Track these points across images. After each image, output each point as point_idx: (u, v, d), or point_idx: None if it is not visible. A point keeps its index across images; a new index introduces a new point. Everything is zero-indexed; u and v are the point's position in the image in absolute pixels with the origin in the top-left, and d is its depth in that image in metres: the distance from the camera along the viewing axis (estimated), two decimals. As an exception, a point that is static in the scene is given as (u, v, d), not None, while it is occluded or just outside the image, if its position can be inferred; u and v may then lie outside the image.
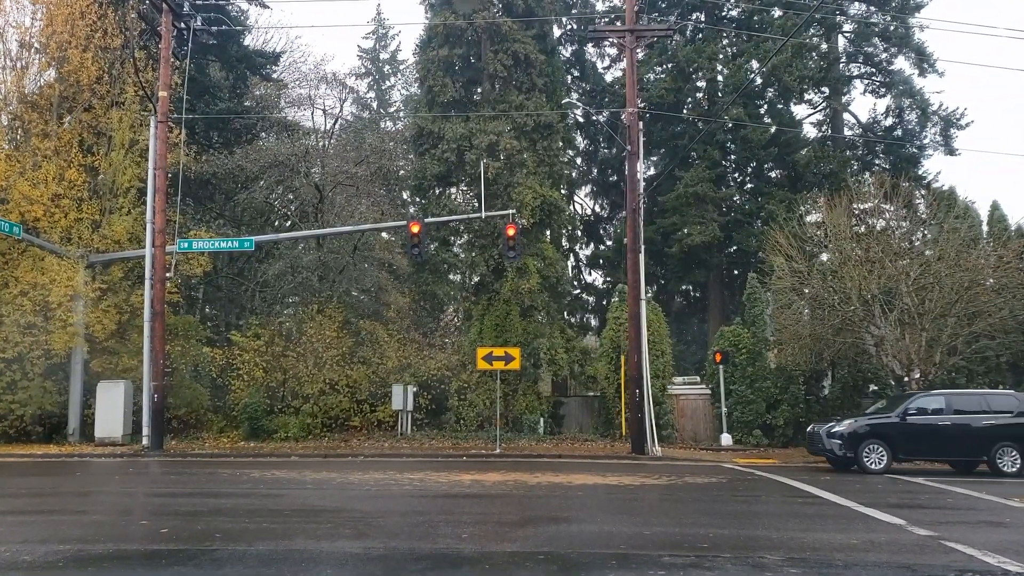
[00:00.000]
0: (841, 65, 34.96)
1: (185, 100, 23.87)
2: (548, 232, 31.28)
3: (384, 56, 52.97)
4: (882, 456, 17.59)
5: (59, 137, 23.87)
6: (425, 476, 15.76)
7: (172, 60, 23.14)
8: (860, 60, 35.05)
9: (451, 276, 33.72)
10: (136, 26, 25.67)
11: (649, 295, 29.73)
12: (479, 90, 31.00)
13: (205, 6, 27.60)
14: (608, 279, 38.97)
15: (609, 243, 39.55)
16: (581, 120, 38.39)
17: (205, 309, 33.91)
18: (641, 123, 24.06)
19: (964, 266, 20.94)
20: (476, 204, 27.43)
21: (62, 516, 11.10)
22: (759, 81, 33.24)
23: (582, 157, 40.80)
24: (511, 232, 22.76)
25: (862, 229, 24.35)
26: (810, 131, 36.53)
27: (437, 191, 30.67)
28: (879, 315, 21.41)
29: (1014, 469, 17.25)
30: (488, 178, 26.77)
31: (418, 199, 32.20)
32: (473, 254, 30.04)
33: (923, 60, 33.32)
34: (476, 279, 31.03)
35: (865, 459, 17.60)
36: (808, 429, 19.97)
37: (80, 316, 22.89)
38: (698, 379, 27.62)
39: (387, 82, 53.16)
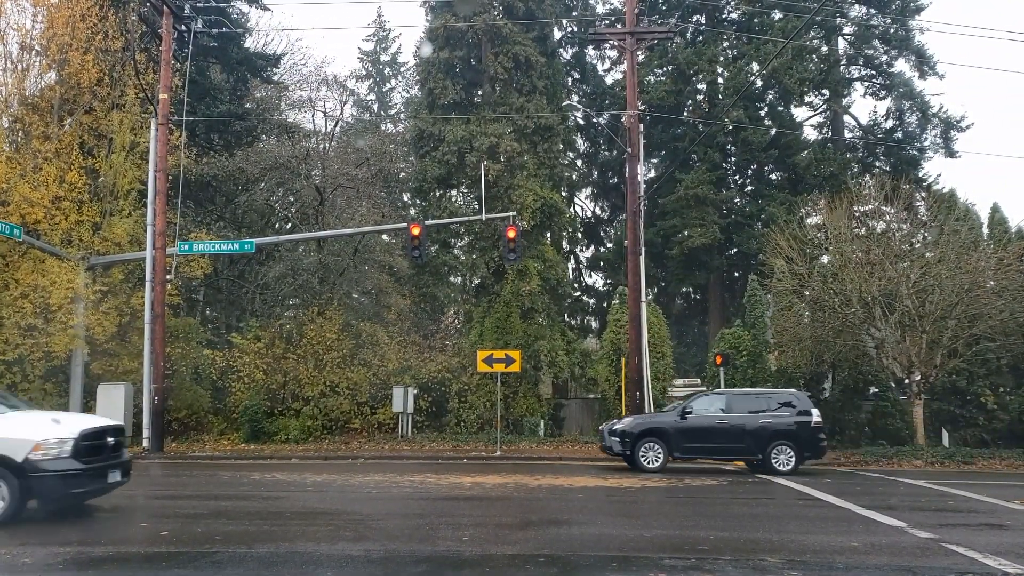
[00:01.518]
0: (841, 67, 34.97)
1: (186, 102, 23.89)
2: (549, 234, 31.30)
3: (385, 58, 52.99)
4: (659, 454, 17.47)
5: (60, 139, 23.88)
6: (425, 478, 15.75)
7: (173, 62, 23.17)
8: (860, 62, 35.06)
9: (452, 278, 33.73)
10: (137, 28, 25.69)
11: (649, 297, 29.73)
12: (480, 92, 31.03)
13: (206, 8, 27.62)
14: (608, 281, 38.97)
15: (609, 245, 39.55)
16: (581, 122, 38.41)
17: (205, 311, 33.90)
18: (641, 125, 24.09)
19: (965, 268, 20.93)
20: (476, 206, 27.45)
21: (62, 518, 11.09)
22: (759, 83, 33.26)
23: (582, 159, 40.82)
24: (511, 234, 22.75)
25: (862, 231, 24.35)
26: (810, 133, 36.62)
27: (438, 193, 30.69)
28: (879, 317, 21.40)
29: (788, 468, 17.26)
30: (488, 180, 26.78)
31: (419, 201, 32.22)
32: (474, 256, 30.06)
33: (923, 62, 33.33)
34: (477, 281, 31.06)
35: (641, 457, 17.47)
36: (600, 427, 19.96)
37: (80, 318, 22.88)
38: (699, 381, 27.59)
39: (388, 84, 53.19)
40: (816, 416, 17.82)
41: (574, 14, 37.16)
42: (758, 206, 33.65)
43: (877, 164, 34.90)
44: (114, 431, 11.15)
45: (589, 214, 41.97)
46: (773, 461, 17.39)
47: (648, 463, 17.45)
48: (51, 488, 10.05)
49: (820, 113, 36.70)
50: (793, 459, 17.36)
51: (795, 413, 17.73)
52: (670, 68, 34.76)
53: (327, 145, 32.80)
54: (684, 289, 37.93)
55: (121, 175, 24.70)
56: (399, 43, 53.38)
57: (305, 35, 56.95)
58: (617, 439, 17.92)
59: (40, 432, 10.20)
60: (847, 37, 35.00)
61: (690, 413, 17.86)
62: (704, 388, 26.58)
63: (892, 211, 23.75)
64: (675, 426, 17.75)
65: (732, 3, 35.39)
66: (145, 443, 21.00)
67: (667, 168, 34.18)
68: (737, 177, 37.03)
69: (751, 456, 17.76)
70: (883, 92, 35.10)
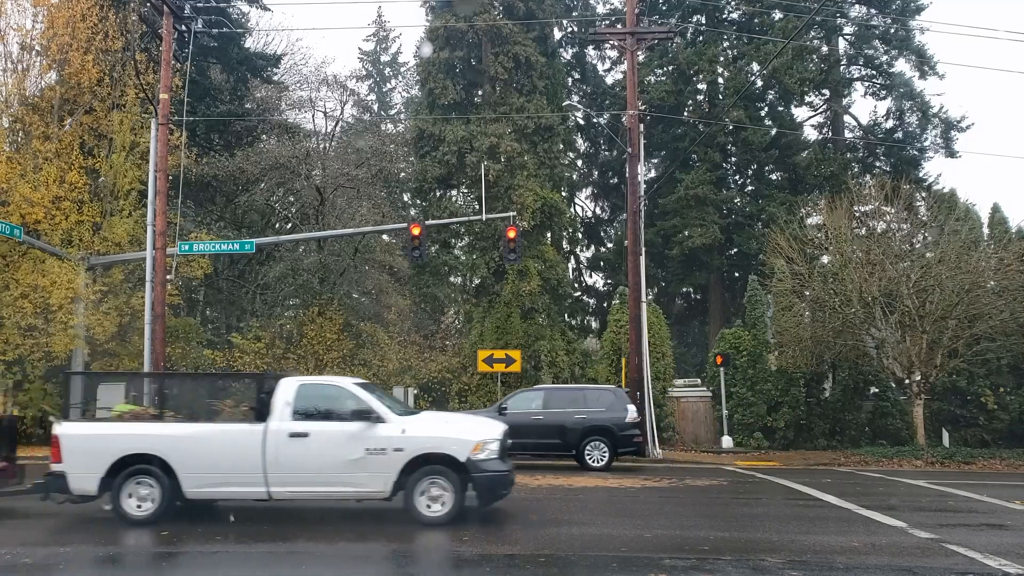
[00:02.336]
0: (842, 67, 34.96)
1: (186, 102, 23.84)
2: (549, 234, 31.30)
3: (385, 58, 52.98)
4: None
5: (60, 139, 23.86)
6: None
7: (173, 62, 23.12)
8: (861, 62, 35.04)
9: (452, 278, 33.73)
10: (137, 28, 25.66)
11: (650, 297, 29.72)
12: (480, 92, 31.04)
13: (206, 8, 27.58)
14: (609, 281, 38.97)
15: (610, 245, 39.55)
16: (582, 122, 38.41)
17: (206, 311, 33.90)
18: (642, 125, 24.07)
19: (965, 268, 20.91)
20: (477, 206, 27.45)
21: (62, 518, 11.09)
22: (760, 83, 33.25)
23: (583, 159, 40.81)
24: (512, 234, 22.74)
25: (863, 231, 24.33)
26: (811, 133, 36.62)
27: (438, 193, 30.70)
28: (880, 317, 21.39)
29: (601, 464, 17.26)
30: (489, 180, 26.78)
31: (419, 201, 32.24)
32: (474, 256, 30.06)
33: (924, 62, 33.30)
34: (477, 281, 31.06)
35: None
36: None
37: (81, 318, 22.86)
38: (699, 381, 27.59)
39: (388, 84, 53.18)
40: (632, 413, 17.77)
41: (574, 14, 37.16)
42: (758, 206, 33.64)
43: (877, 164, 34.89)
44: (507, 435, 11.20)
45: (589, 214, 41.99)
46: (587, 457, 17.36)
47: None
48: (488, 487, 10.18)
49: (820, 113, 36.71)
50: (607, 455, 17.35)
51: (610, 409, 17.68)
52: (670, 68, 34.75)
53: (327, 145, 32.80)
54: (684, 289, 37.92)
55: (121, 175, 24.68)
56: (399, 43, 53.44)
57: (305, 35, 56.97)
58: None
59: (478, 432, 10.43)
60: (847, 37, 34.99)
61: (506, 410, 17.76)
62: (704, 388, 26.63)
63: (892, 211, 23.73)
64: None
65: (732, 3, 35.38)
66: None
67: (667, 168, 34.18)
68: (737, 177, 37.03)
69: (566, 451, 17.64)
70: (883, 92, 35.08)
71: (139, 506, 9.92)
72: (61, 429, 10.34)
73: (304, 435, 10.01)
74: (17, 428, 11.91)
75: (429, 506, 9.89)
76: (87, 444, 10.21)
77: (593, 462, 17.30)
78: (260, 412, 10.31)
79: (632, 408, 17.97)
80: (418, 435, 10.17)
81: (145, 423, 10.60)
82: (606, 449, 17.38)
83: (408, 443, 9.97)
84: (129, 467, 9.96)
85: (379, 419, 10.16)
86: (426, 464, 9.92)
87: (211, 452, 10.05)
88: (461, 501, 9.94)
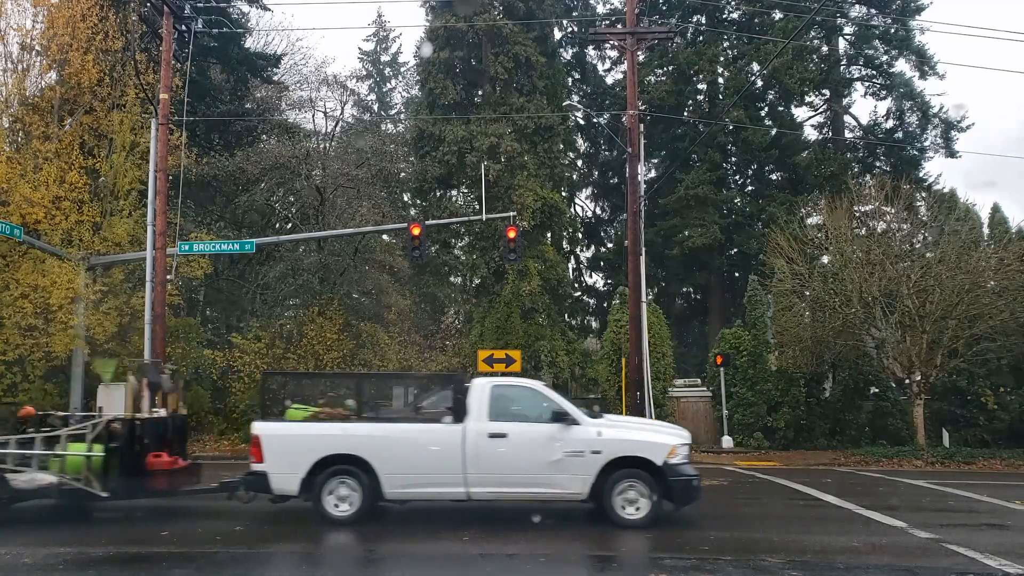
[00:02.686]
0: (842, 67, 34.95)
1: (186, 102, 23.82)
2: (549, 234, 31.29)
3: (385, 58, 52.96)
4: None
5: (60, 139, 23.85)
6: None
7: (173, 62, 23.11)
8: (861, 62, 35.03)
9: (452, 278, 33.70)
10: (137, 28, 25.65)
11: (650, 297, 29.71)
12: (480, 92, 31.03)
13: (206, 8, 27.57)
14: (609, 281, 38.95)
15: (610, 245, 39.54)
16: (582, 122, 38.39)
17: (206, 311, 33.87)
18: (642, 125, 24.07)
19: (965, 268, 20.90)
20: (477, 206, 27.44)
21: (62, 519, 11.09)
22: (760, 83, 33.24)
23: (583, 159, 40.79)
24: (512, 234, 22.72)
25: (863, 231, 24.32)
26: (811, 133, 36.59)
27: (438, 193, 30.69)
28: (880, 317, 21.38)
29: None
30: (489, 180, 26.77)
31: (419, 201, 32.22)
32: (474, 256, 30.04)
33: (924, 62, 33.29)
34: (477, 281, 31.04)
35: None
36: None
37: (81, 318, 22.84)
38: (699, 381, 27.57)
39: (388, 84, 53.15)
40: None
41: (574, 14, 37.15)
42: (758, 206, 33.62)
43: (877, 164, 34.87)
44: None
45: (589, 214, 41.97)
46: None
47: None
48: (684, 491, 10.27)
49: (820, 113, 36.69)
50: None
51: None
52: (670, 68, 34.74)
53: (327, 145, 32.78)
54: (684, 289, 37.91)
55: (121, 175, 24.66)
56: (399, 43, 53.33)
57: (305, 35, 56.95)
58: None
59: (671, 437, 10.61)
60: (847, 37, 34.98)
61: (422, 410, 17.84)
62: (704, 388, 26.62)
63: (892, 211, 23.72)
64: None
65: (732, 3, 35.37)
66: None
67: (667, 168, 34.17)
68: (737, 177, 37.01)
69: None
70: (883, 92, 35.07)
71: (338, 505, 10.03)
72: (263, 429, 10.40)
73: (503, 436, 10.12)
74: (187, 427, 11.85)
75: (624, 508, 9.99)
76: (290, 444, 10.29)
77: None
78: (457, 413, 10.38)
79: None
80: (615, 438, 10.31)
81: (345, 423, 10.62)
82: None
83: (606, 446, 10.10)
84: (330, 467, 10.03)
85: (574, 421, 10.31)
86: (622, 467, 10.04)
87: (411, 453, 10.15)
88: (658, 505, 10.06)
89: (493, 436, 10.07)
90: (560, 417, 10.24)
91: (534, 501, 10.58)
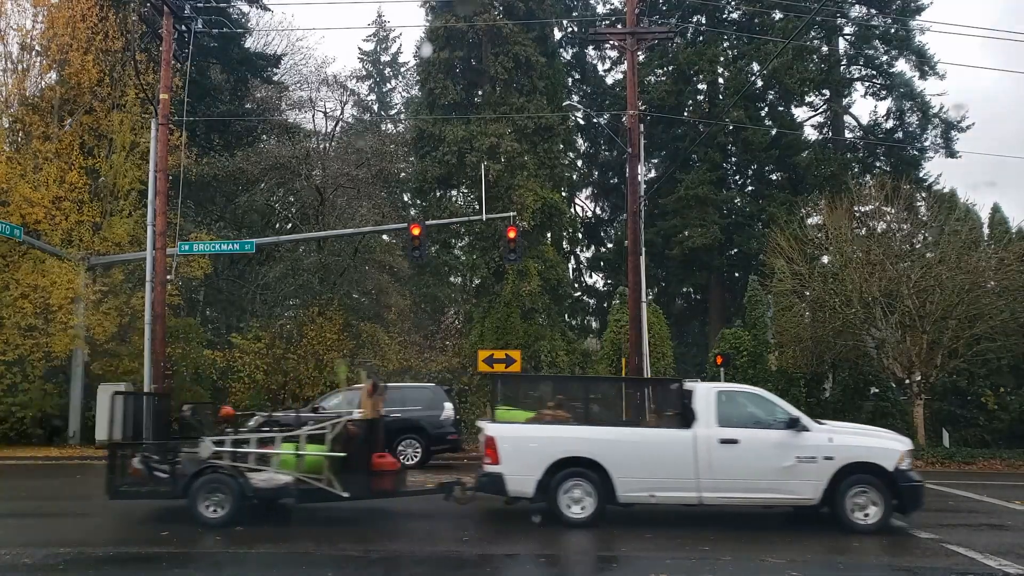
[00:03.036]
0: (842, 68, 34.93)
1: (186, 102, 23.80)
2: (549, 234, 31.28)
3: (385, 58, 52.93)
4: None
5: (60, 140, 23.85)
6: (426, 478, 15.72)
7: (173, 63, 23.09)
8: (861, 63, 35.01)
9: (452, 278, 33.69)
10: (137, 29, 25.65)
11: (650, 297, 29.69)
12: (480, 92, 31.02)
13: (206, 8, 27.53)
14: (609, 281, 38.95)
15: (610, 245, 39.53)
16: (582, 122, 38.38)
17: (206, 312, 33.85)
18: (642, 125, 24.07)
19: (965, 268, 20.89)
20: (477, 206, 27.42)
21: (63, 519, 11.10)
22: (760, 83, 33.23)
23: (583, 159, 40.78)
24: (512, 234, 22.71)
25: (863, 231, 24.30)
26: (811, 133, 36.55)
27: (438, 193, 30.69)
28: (880, 317, 21.38)
29: (413, 461, 17.31)
30: (489, 180, 26.75)
31: (419, 201, 32.22)
32: (474, 256, 30.04)
33: (924, 62, 33.28)
34: (477, 281, 31.02)
35: None
36: None
37: (81, 318, 22.84)
38: (699, 381, 27.54)
39: (388, 84, 53.13)
40: (448, 410, 17.82)
41: (574, 14, 37.15)
42: (758, 206, 33.61)
43: (877, 164, 34.84)
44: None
45: (589, 214, 41.96)
46: (400, 455, 17.25)
47: None
48: (914, 497, 10.23)
49: (820, 113, 36.67)
50: (420, 452, 17.42)
51: (426, 408, 17.73)
52: (670, 68, 34.72)
53: (327, 145, 32.79)
54: (684, 289, 37.91)
55: (121, 175, 24.66)
56: (399, 43, 53.28)
57: (305, 35, 56.82)
58: None
59: (898, 443, 10.63)
60: (847, 37, 34.96)
61: (323, 409, 17.70)
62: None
63: (892, 211, 23.71)
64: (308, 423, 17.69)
65: (732, 3, 35.36)
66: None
67: (667, 168, 34.16)
68: (737, 177, 37.00)
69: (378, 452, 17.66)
70: (883, 92, 35.05)
71: (570, 507, 10.07)
72: (497, 431, 10.44)
73: (734, 441, 10.18)
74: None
75: (854, 513, 10.02)
76: (526, 446, 10.32)
77: (406, 460, 17.30)
78: (685, 418, 10.44)
79: (449, 406, 17.99)
80: (847, 444, 10.37)
81: (578, 426, 10.65)
82: (419, 447, 17.47)
83: (837, 452, 10.14)
84: (565, 470, 10.09)
85: (804, 427, 10.36)
86: (853, 473, 10.06)
87: (643, 456, 10.21)
88: (890, 510, 10.04)
89: (724, 442, 10.16)
90: (792, 423, 10.37)
91: (765, 507, 10.71)
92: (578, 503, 10.07)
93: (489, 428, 10.56)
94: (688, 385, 11.10)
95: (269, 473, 10.21)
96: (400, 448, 17.40)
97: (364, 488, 10.36)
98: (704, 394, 10.60)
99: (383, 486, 10.65)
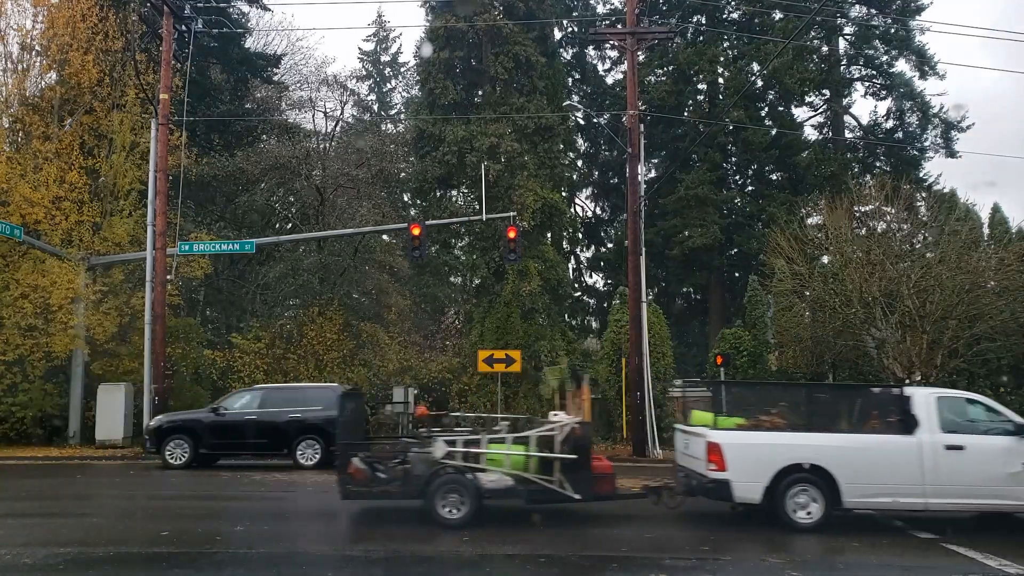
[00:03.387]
0: (842, 68, 34.92)
1: (186, 102, 23.84)
2: (549, 234, 31.26)
3: (385, 58, 52.94)
4: (185, 451, 17.43)
5: (60, 139, 23.86)
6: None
7: (173, 63, 23.14)
8: (861, 63, 35.00)
9: (452, 278, 33.67)
10: (137, 29, 25.66)
11: (650, 297, 29.67)
12: (480, 92, 31.00)
13: (206, 8, 27.57)
14: (609, 281, 38.92)
15: (610, 245, 39.50)
16: (582, 122, 38.36)
17: (206, 312, 33.86)
18: (642, 125, 24.06)
19: (965, 269, 20.86)
20: (477, 206, 27.41)
21: (63, 519, 11.10)
22: (760, 83, 33.21)
23: (583, 159, 40.74)
24: (512, 234, 22.73)
25: (863, 231, 24.28)
26: (811, 133, 36.50)
27: (438, 193, 30.67)
28: (880, 318, 21.36)
29: (313, 462, 17.31)
30: (489, 180, 26.75)
31: (419, 201, 32.20)
32: (474, 256, 30.02)
33: (924, 63, 33.27)
34: (477, 281, 31.00)
35: (168, 454, 17.47)
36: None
37: (81, 318, 22.85)
38: (699, 382, 27.54)
39: (388, 84, 53.14)
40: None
41: (574, 14, 37.13)
42: (759, 206, 33.59)
43: (878, 164, 34.83)
44: None
45: (589, 214, 41.93)
46: (299, 456, 17.41)
47: (174, 460, 17.42)
48: None
49: (820, 113, 36.65)
50: (319, 453, 17.39)
51: (327, 408, 17.45)
52: (671, 68, 34.70)
53: (327, 145, 32.79)
54: (685, 289, 37.89)
55: (121, 175, 24.68)
56: (399, 43, 53.29)
57: (305, 35, 56.93)
58: (147, 436, 18.03)
59: None
60: (847, 37, 34.95)
61: (225, 410, 17.84)
62: (705, 388, 26.57)
63: (893, 211, 23.69)
64: (206, 423, 17.74)
65: (732, 3, 35.35)
66: (147, 444, 20.97)
67: (667, 168, 34.15)
68: (738, 177, 36.97)
69: (278, 451, 17.68)
70: (883, 92, 35.03)
71: (796, 512, 10.16)
72: (724, 438, 10.50)
73: (960, 448, 10.26)
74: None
75: None
76: (754, 453, 10.41)
77: (306, 461, 17.39)
78: (906, 424, 10.50)
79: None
80: None
81: (801, 433, 10.72)
82: (319, 447, 17.44)
83: None
84: (791, 476, 10.20)
85: None
86: None
87: (868, 463, 10.30)
88: None
89: (950, 448, 10.24)
90: (1019, 429, 10.44)
91: (991, 513, 10.77)
92: (804, 508, 10.19)
93: (713, 435, 10.62)
94: (906, 391, 11.22)
95: (498, 474, 10.30)
96: (300, 449, 17.50)
97: (589, 490, 10.46)
98: (924, 400, 10.69)
99: (604, 489, 10.75)
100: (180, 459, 17.45)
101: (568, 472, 10.25)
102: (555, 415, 11.35)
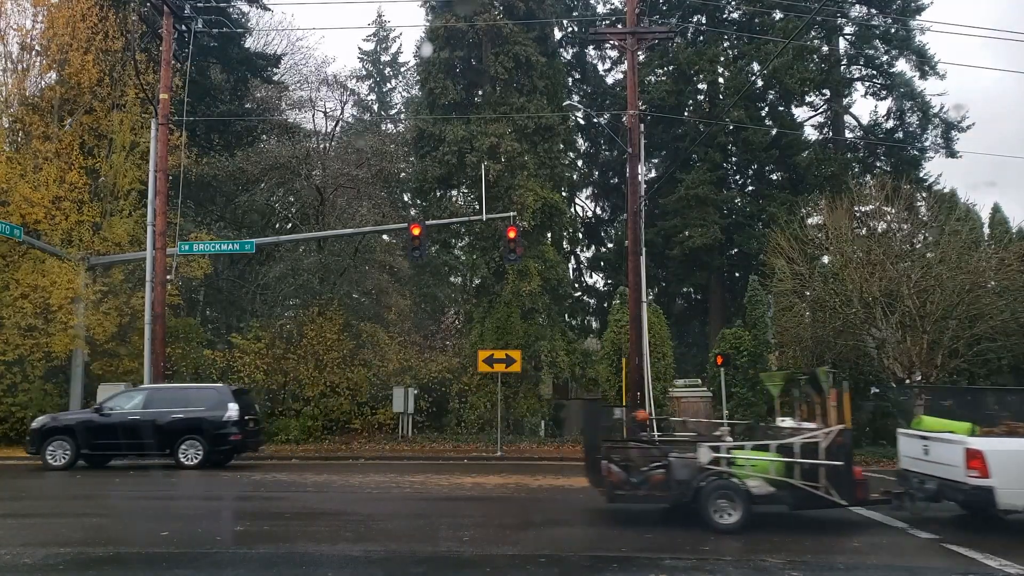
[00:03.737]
0: (842, 67, 34.91)
1: (186, 102, 23.84)
2: (549, 234, 31.25)
3: (385, 58, 52.96)
4: (67, 452, 17.42)
5: (60, 139, 23.87)
6: (426, 479, 15.73)
7: (173, 62, 23.13)
8: (861, 62, 34.99)
9: (452, 278, 33.67)
10: (137, 28, 25.67)
11: (650, 297, 29.69)
12: (480, 92, 30.99)
13: (206, 8, 27.55)
14: (609, 281, 38.93)
15: (610, 245, 39.51)
16: (582, 122, 38.37)
17: (206, 312, 33.87)
18: (642, 125, 24.04)
19: (965, 269, 20.87)
20: (477, 206, 27.41)
21: (63, 519, 11.09)
22: (760, 83, 33.20)
23: (583, 159, 40.76)
24: (512, 234, 22.73)
25: (863, 231, 24.28)
26: (811, 133, 36.51)
27: (438, 193, 30.66)
28: (880, 318, 21.36)
29: (195, 461, 17.33)
30: (489, 180, 26.75)
31: (419, 201, 32.18)
32: (474, 256, 30.00)
33: (924, 62, 33.26)
34: (477, 281, 30.98)
35: (49, 455, 17.40)
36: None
37: (81, 318, 22.85)
38: (699, 382, 27.54)
39: (388, 84, 53.15)
40: (231, 411, 17.70)
41: (575, 14, 37.12)
42: (759, 206, 33.59)
43: (878, 164, 34.83)
44: None
45: (590, 214, 41.95)
46: (181, 456, 17.41)
47: (55, 461, 17.37)
48: None
49: (821, 113, 36.65)
50: (201, 453, 17.44)
51: (210, 408, 17.72)
52: (671, 68, 34.70)
53: (327, 145, 32.78)
54: (685, 289, 37.89)
55: (121, 175, 24.68)
56: (399, 43, 53.33)
57: (305, 35, 56.97)
58: (29, 437, 17.95)
59: None
60: (848, 37, 34.94)
61: (109, 410, 17.82)
62: (705, 388, 26.59)
63: (893, 211, 23.68)
64: (87, 424, 17.72)
65: (733, 3, 35.34)
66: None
67: (668, 168, 34.14)
68: (738, 177, 36.97)
69: (160, 451, 17.65)
70: (884, 92, 35.02)
71: None
72: (987, 445, 10.43)
73: None
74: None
75: None
76: (1020, 461, 10.31)
77: (188, 460, 17.40)
78: None
79: (234, 407, 17.87)
80: None
81: None
82: (200, 447, 17.48)
83: None
84: None
85: None
86: None
87: None
88: None
89: None
90: None
91: None
92: None
93: (975, 442, 10.55)
94: None
95: (759, 480, 10.38)
96: (182, 449, 17.51)
97: (853, 495, 10.53)
98: None
99: (863, 494, 10.79)
100: (61, 460, 17.43)
101: (832, 478, 10.35)
102: (782, 421, 11.39)
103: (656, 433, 11.92)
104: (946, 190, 28.59)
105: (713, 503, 10.15)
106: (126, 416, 17.72)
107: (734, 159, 35.65)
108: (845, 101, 35.99)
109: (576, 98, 37.29)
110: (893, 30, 33.55)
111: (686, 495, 10.25)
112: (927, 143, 33.71)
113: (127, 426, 17.53)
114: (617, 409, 12.19)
